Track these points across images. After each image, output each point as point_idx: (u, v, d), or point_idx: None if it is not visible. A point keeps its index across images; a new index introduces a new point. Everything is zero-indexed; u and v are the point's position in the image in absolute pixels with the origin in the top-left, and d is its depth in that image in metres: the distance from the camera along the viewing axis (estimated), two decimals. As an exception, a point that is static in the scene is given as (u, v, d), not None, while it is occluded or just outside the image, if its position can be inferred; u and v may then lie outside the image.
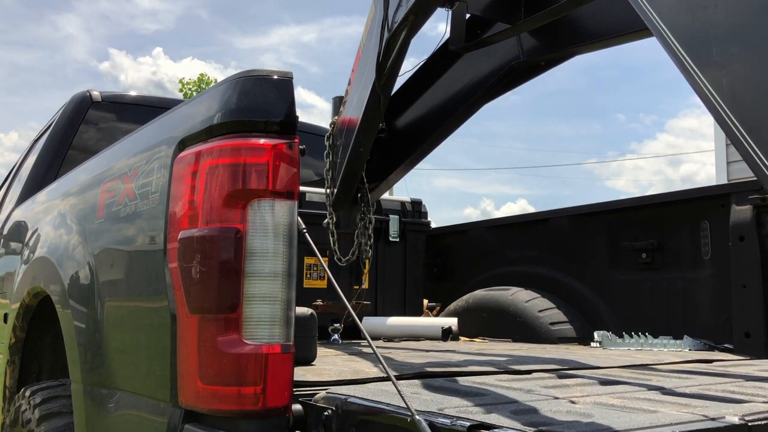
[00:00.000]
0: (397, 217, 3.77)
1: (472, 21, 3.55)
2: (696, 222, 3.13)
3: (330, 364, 2.06)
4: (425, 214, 3.96)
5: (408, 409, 1.20)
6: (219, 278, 1.43)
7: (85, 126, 3.82)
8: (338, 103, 3.96)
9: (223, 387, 1.41)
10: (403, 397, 1.24)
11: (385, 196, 3.90)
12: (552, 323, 3.34)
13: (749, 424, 1.30)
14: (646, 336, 3.07)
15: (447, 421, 1.17)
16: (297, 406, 1.48)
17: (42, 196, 3.14)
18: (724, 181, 6.40)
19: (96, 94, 3.93)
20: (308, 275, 3.61)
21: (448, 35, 3.49)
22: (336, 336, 3.39)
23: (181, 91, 22.12)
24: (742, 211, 2.84)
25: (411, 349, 2.88)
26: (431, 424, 1.17)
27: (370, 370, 1.93)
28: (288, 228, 1.49)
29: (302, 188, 3.74)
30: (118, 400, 1.81)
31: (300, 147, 1.54)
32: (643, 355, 2.68)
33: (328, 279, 4.06)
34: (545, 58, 3.58)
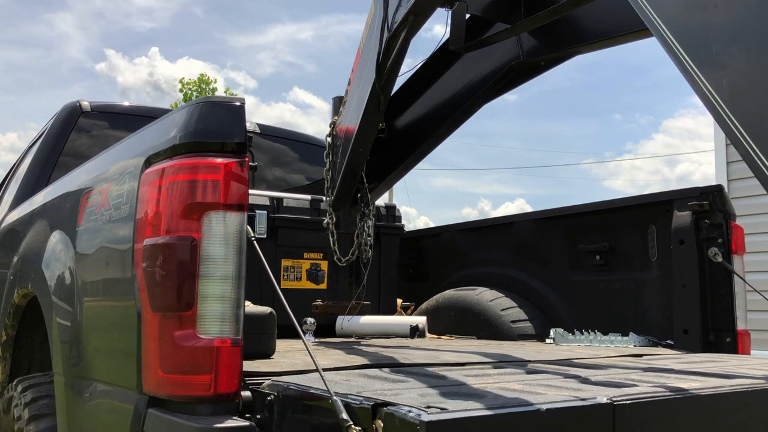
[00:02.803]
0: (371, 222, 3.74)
1: (472, 21, 3.54)
2: (644, 226, 3.26)
3: (287, 358, 2.21)
4: (399, 218, 4.09)
5: (328, 392, 1.41)
6: (177, 280, 1.63)
7: (76, 134, 3.95)
8: (338, 103, 3.95)
9: (180, 376, 1.61)
10: (325, 383, 1.45)
11: None
12: (513, 321, 3.49)
13: (615, 403, 1.45)
14: (595, 333, 3.21)
15: (358, 401, 1.36)
16: (246, 393, 1.65)
17: (31, 202, 3.25)
18: (724, 182, 6.41)
19: (86, 104, 4.08)
20: (285, 277, 3.74)
21: (448, 35, 3.50)
22: (309, 334, 3.52)
23: (181, 91, 22.11)
24: (682, 217, 3.01)
25: (373, 345, 3.04)
26: (346, 404, 1.36)
27: (319, 362, 1.97)
28: (238, 236, 1.69)
29: (279, 194, 3.93)
30: (93, 390, 1.99)
31: (251, 164, 1.75)
32: (583, 351, 2.80)
33: (328, 279, 4.08)
34: (545, 58, 3.56)
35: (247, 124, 4.48)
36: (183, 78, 24.55)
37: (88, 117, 4.06)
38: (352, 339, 3.55)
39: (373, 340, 3.45)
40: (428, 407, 1.28)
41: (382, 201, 4.11)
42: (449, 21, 3.37)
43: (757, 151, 1.48)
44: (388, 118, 3.78)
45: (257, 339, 1.97)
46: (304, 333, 3.46)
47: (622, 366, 2.22)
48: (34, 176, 3.84)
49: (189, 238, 1.64)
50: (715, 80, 1.58)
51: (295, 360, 2.16)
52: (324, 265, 3.82)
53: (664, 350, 2.94)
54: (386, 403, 1.31)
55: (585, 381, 1.79)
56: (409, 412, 1.24)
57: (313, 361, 1.59)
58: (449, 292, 3.87)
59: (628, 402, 1.48)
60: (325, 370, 1.82)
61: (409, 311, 4.11)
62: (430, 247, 4.20)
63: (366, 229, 3.88)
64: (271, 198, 3.83)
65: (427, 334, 3.65)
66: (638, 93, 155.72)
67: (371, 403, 1.33)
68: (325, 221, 3.93)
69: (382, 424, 1.27)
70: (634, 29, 3.03)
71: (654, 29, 1.74)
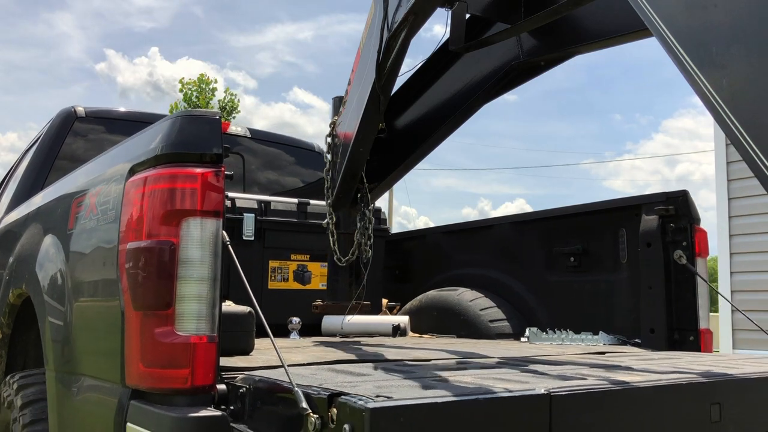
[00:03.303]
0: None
1: (472, 21, 3.53)
2: (615, 230, 3.37)
3: (265, 354, 2.32)
4: (385, 221, 4.21)
5: (291, 384, 1.52)
6: (157, 281, 1.75)
7: (71, 139, 4.08)
8: (338, 103, 3.95)
9: (159, 370, 1.74)
10: (289, 376, 1.56)
11: None
12: (491, 320, 3.62)
13: (552, 394, 1.56)
14: (567, 332, 3.35)
15: (317, 392, 1.48)
16: (222, 386, 1.78)
17: (27, 205, 3.34)
18: (724, 182, 6.41)
19: (80, 109, 4.21)
20: (273, 278, 3.85)
21: (448, 35, 3.50)
22: (295, 333, 3.62)
23: (180, 91, 22.09)
24: (650, 221, 3.14)
25: (353, 343, 3.18)
26: (306, 395, 1.48)
27: (293, 358, 2.27)
28: (213, 241, 1.80)
29: (266, 198, 4.06)
30: (81, 384, 2.11)
31: (227, 173, 1.87)
32: (552, 349, 2.95)
33: (328, 279, 4.09)
34: (545, 58, 3.55)
35: (239, 129, 4.53)
36: (183, 78, 24.55)
37: (82, 122, 4.17)
38: (337, 338, 3.65)
39: (360, 338, 3.54)
40: (377, 396, 1.40)
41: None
42: (449, 21, 3.37)
43: (757, 151, 1.48)
44: (388, 118, 3.78)
45: (237, 337, 2.11)
46: (290, 332, 3.61)
47: (579, 362, 2.34)
48: (30, 179, 3.93)
49: (168, 242, 1.76)
50: (715, 80, 1.57)
51: (272, 356, 2.24)
52: (311, 267, 3.93)
53: (629, 348, 3.06)
54: (341, 393, 1.43)
55: (536, 375, 1.90)
56: (359, 400, 1.36)
57: (279, 357, 1.70)
58: (432, 293, 3.98)
59: (564, 393, 1.59)
60: (296, 365, 1.99)
61: (394, 311, 4.19)
62: (414, 249, 4.32)
63: (366, 229, 3.89)
64: (259, 201, 3.92)
65: (410, 333, 3.74)
66: (638, 93, 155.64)
67: (327, 394, 1.44)
68: (325, 221, 3.93)
69: (336, 412, 1.39)
70: (634, 29, 3.02)
71: (654, 29, 1.74)
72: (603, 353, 2.75)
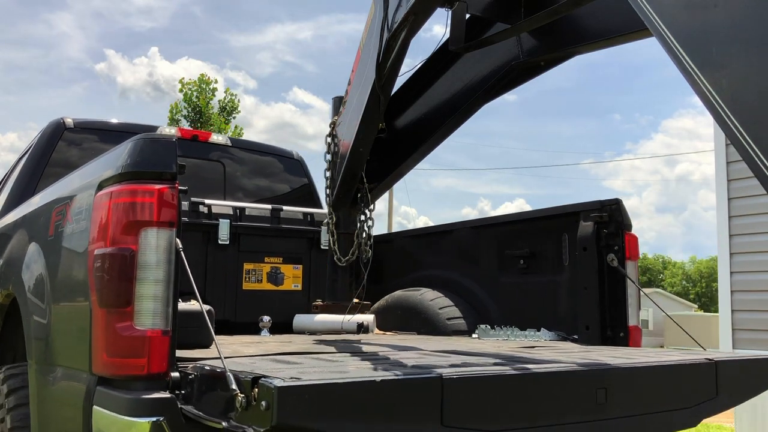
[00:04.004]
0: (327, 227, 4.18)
1: (472, 21, 3.53)
2: (559, 235, 3.59)
3: (224, 348, 2.51)
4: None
5: (224, 369, 1.74)
6: (118, 283, 1.99)
7: (60, 148, 4.29)
8: (338, 103, 3.95)
9: (120, 359, 1.98)
10: (224, 364, 1.79)
11: (317, 210, 4.47)
12: (449, 318, 3.85)
13: (444, 377, 1.78)
14: (513, 329, 3.61)
15: (244, 376, 1.68)
16: (175, 373, 1.99)
17: (17, 212, 3.54)
18: (724, 182, 6.41)
19: (69, 121, 4.41)
20: (247, 279, 4.08)
21: (448, 35, 3.50)
22: (265, 330, 3.81)
23: (180, 91, 22.05)
24: (586, 227, 3.41)
25: (312, 339, 3.41)
26: (236, 378, 1.70)
27: (246, 350, 2.53)
28: (168, 248, 2.04)
29: (241, 204, 4.27)
30: (57, 374, 2.34)
31: (181, 188, 2.09)
32: (491, 344, 3.24)
33: (328, 279, 4.10)
34: (545, 58, 3.55)
35: (220, 138, 4.74)
36: (183, 78, 24.51)
37: (71, 132, 4.39)
38: (305, 335, 3.83)
39: (325, 335, 3.73)
40: (290, 378, 1.61)
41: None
42: (449, 21, 3.37)
43: (757, 151, 1.48)
44: (388, 118, 3.78)
45: (195, 332, 2.29)
46: (261, 329, 3.82)
47: (495, 354, 2.57)
48: (21, 186, 4.12)
49: (128, 249, 2.00)
50: (715, 80, 1.57)
51: (227, 349, 2.50)
52: (283, 268, 4.15)
53: (562, 343, 3.30)
54: (262, 377, 1.63)
55: (447, 363, 2.11)
56: (273, 381, 1.57)
57: (218, 349, 1.94)
58: (397, 293, 4.18)
59: (455, 377, 1.81)
60: (244, 356, 2.26)
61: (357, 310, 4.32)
62: (384, 252, 4.46)
63: (366, 229, 3.90)
64: (234, 207, 4.13)
65: (376, 330, 3.92)
66: (638, 93, 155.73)
67: (251, 377, 1.66)
68: (325, 221, 3.93)
69: (257, 392, 1.62)
70: (634, 29, 3.02)
71: (654, 29, 1.74)
72: (533, 347, 2.99)
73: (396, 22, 3.13)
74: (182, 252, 2.05)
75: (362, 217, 3.93)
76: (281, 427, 1.55)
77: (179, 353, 2.09)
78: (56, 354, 2.37)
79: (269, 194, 4.91)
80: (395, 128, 3.91)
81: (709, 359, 2.39)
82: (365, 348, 2.80)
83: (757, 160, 1.47)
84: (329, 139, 3.91)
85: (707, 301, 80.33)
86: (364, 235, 3.89)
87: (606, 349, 2.89)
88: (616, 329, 3.27)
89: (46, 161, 4.18)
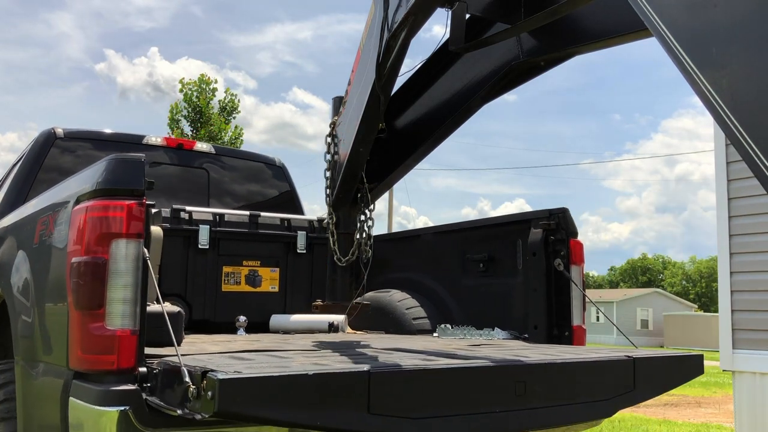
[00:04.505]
0: (304, 233, 4.46)
1: (472, 21, 3.53)
2: (514, 240, 3.83)
3: (192, 346, 2.82)
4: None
5: (180, 364, 2.00)
6: (92, 288, 2.22)
7: (52, 155, 4.49)
8: (338, 103, 3.94)
9: (93, 356, 2.21)
10: (179, 359, 2.04)
11: (294, 216, 4.66)
12: (414, 318, 4.12)
13: (371, 371, 2.03)
14: (470, 328, 3.86)
15: (195, 370, 1.93)
16: (143, 368, 2.24)
17: (6, 220, 3.72)
18: (724, 182, 6.41)
19: (60, 131, 4.60)
20: (226, 281, 4.31)
21: (448, 35, 3.49)
22: (241, 330, 4.03)
23: (181, 91, 22.05)
24: (536, 233, 3.66)
25: (280, 338, 3.66)
26: (190, 372, 1.94)
27: (211, 348, 2.78)
28: (136, 257, 2.27)
29: (220, 210, 4.53)
30: (39, 369, 2.55)
31: (148, 203, 2.33)
32: (444, 342, 3.51)
33: (328, 280, 4.11)
34: (545, 59, 3.55)
35: (204, 147, 5.04)
36: (183, 78, 24.53)
37: (62, 141, 4.58)
38: (279, 334, 4.07)
39: (297, 335, 3.97)
40: (235, 372, 1.86)
41: (314, 216, 4.75)
42: (449, 21, 3.36)
43: (757, 151, 1.48)
44: (388, 118, 3.78)
45: (166, 331, 2.48)
46: (237, 329, 4.07)
47: (437, 351, 2.81)
48: (14, 194, 4.29)
49: (101, 258, 2.24)
50: (715, 80, 1.57)
51: (197, 347, 2.75)
52: (261, 271, 4.39)
53: (510, 342, 3.56)
54: (210, 371, 1.88)
55: (387, 359, 2.36)
56: (218, 375, 1.82)
57: (175, 347, 2.18)
58: (369, 294, 4.35)
59: (382, 371, 2.07)
60: (205, 354, 2.54)
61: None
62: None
63: (366, 229, 3.90)
64: (214, 214, 4.36)
65: (348, 330, 4.19)
66: (638, 93, 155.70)
67: (201, 371, 1.89)
68: (325, 221, 3.93)
69: (205, 383, 1.86)
70: (634, 29, 3.02)
71: (654, 29, 1.74)
72: (479, 345, 3.26)
73: (396, 22, 3.13)
74: (149, 261, 2.29)
75: (362, 217, 3.93)
76: (222, 413, 1.81)
77: (150, 350, 2.31)
78: (39, 351, 2.58)
79: (252, 200, 5.15)
80: (395, 128, 3.91)
81: (628, 356, 2.65)
82: (323, 346, 3.03)
83: (757, 160, 1.47)
84: (329, 139, 3.91)
85: (707, 301, 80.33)
86: (364, 234, 3.89)
87: (544, 347, 3.13)
88: (561, 329, 3.51)
89: (37, 169, 4.37)
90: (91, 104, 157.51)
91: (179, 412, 1.96)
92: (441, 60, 3.76)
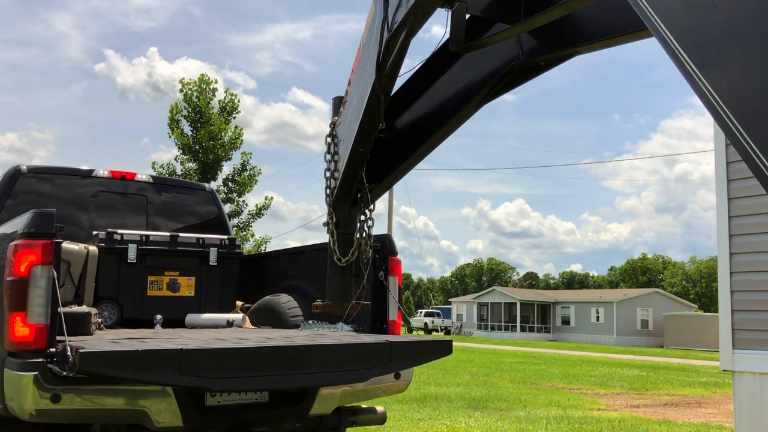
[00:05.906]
0: (216, 249, 5.44)
1: (472, 21, 3.53)
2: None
3: (107, 335, 3.84)
4: (238, 246, 5.78)
5: (66, 344, 3.06)
6: (18, 297, 3.24)
7: (17, 190, 5.46)
8: (338, 103, 3.94)
9: (19, 340, 3.20)
10: (67, 342, 3.06)
11: (206, 235, 5.59)
12: (293, 316, 5.04)
13: (183, 349, 3.03)
14: (324, 323, 4.62)
15: (77, 347, 2.91)
16: (52, 348, 3.17)
17: None
18: (724, 182, 6.40)
19: (24, 168, 5.60)
20: (151, 288, 5.28)
21: (448, 35, 3.49)
22: (158, 325, 4.89)
23: (181, 91, 22.01)
24: (375, 252, 4.39)
25: (182, 331, 4.73)
26: (74, 349, 2.93)
27: (107, 336, 3.72)
28: (48, 276, 3.25)
29: (146, 232, 5.45)
30: None
31: (56, 241, 3.33)
32: (291, 332, 4.49)
33: (328, 280, 4.12)
34: (545, 59, 3.54)
35: (143, 176, 5.62)
36: (183, 78, 24.49)
37: (25, 177, 5.50)
38: (186, 328, 5.06)
39: (205, 330, 4.97)
40: (95, 348, 2.91)
41: (224, 236, 5.74)
42: (449, 21, 3.36)
43: (757, 151, 1.48)
44: (388, 118, 3.78)
45: (78, 325, 3.77)
46: (154, 325, 4.95)
47: (264, 336, 3.85)
48: None
49: (25, 278, 3.25)
50: (715, 80, 1.57)
51: (111, 336, 3.78)
52: (180, 279, 5.40)
53: (339, 332, 4.39)
54: (81, 347, 2.88)
55: (219, 343, 3.32)
56: (82, 349, 2.85)
57: (65, 335, 3.16)
58: (266, 297, 5.35)
59: (191, 349, 3.06)
60: (95, 340, 3.50)
61: (235, 310, 5.76)
62: (263, 266, 6.02)
63: (366, 229, 3.90)
64: (141, 235, 5.35)
65: (248, 325, 5.20)
66: (638, 93, 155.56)
67: (76, 348, 2.89)
68: (325, 221, 3.93)
69: (77, 355, 2.85)
70: (634, 29, 3.02)
71: (654, 29, 1.74)
72: (314, 334, 4.23)
73: (396, 22, 3.13)
74: (56, 279, 3.28)
75: (362, 217, 3.93)
76: (82, 371, 2.88)
77: (71, 338, 3.24)
78: None
79: (184, 221, 6.19)
80: (395, 128, 3.91)
81: (387, 341, 3.61)
82: (198, 336, 4.05)
83: (757, 160, 1.47)
84: (329, 139, 3.91)
85: (707, 301, 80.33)
86: (364, 234, 3.90)
87: (348, 335, 4.13)
88: (381, 322, 4.53)
89: (3, 201, 5.37)
90: (90, 104, 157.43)
91: (64, 373, 3.00)
92: (441, 60, 3.76)
